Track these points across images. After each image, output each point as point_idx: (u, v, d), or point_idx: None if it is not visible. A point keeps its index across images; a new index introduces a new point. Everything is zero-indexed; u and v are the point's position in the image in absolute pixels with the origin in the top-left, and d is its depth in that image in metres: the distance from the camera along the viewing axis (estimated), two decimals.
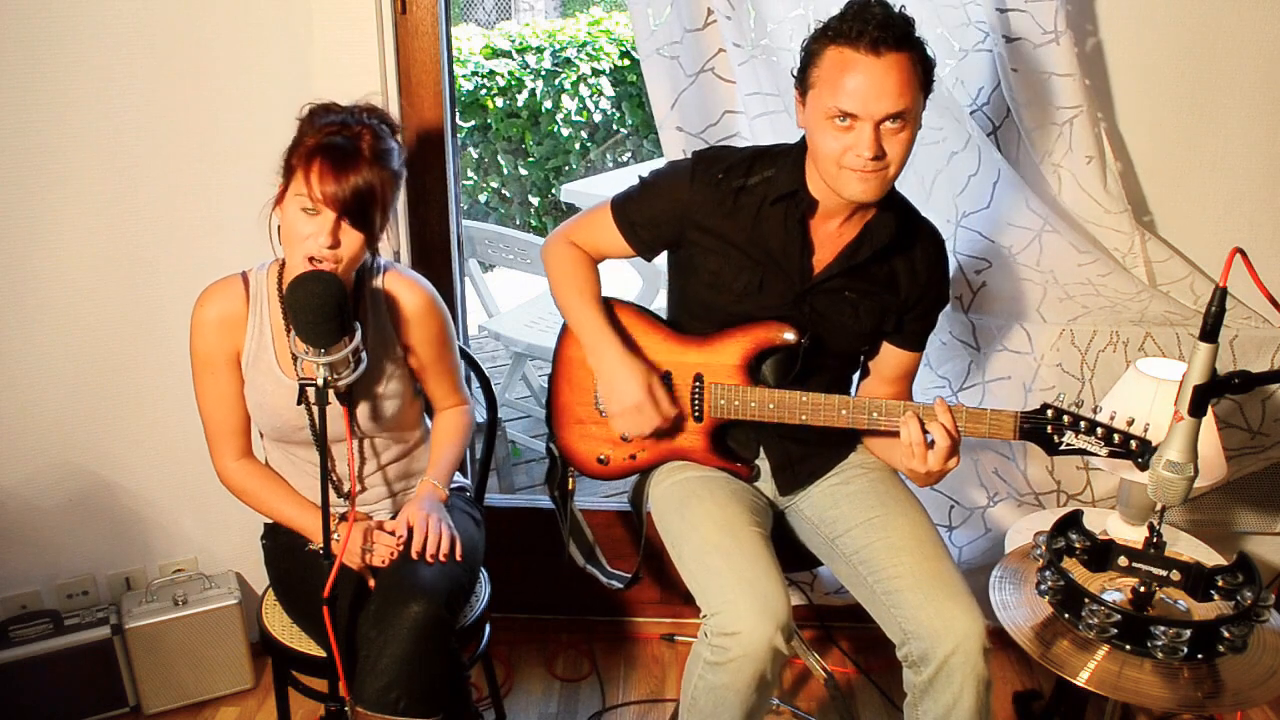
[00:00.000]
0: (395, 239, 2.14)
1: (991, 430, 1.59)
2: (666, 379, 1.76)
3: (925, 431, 1.59)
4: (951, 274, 1.82)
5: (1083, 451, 1.55)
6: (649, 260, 1.81)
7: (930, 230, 1.73)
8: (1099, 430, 1.53)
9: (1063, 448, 1.56)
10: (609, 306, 1.80)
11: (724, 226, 1.67)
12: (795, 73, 1.58)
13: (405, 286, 1.72)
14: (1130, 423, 1.51)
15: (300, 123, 1.58)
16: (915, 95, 1.50)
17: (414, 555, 1.64)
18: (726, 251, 1.69)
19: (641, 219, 1.74)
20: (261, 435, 1.76)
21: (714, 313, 1.73)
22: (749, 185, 1.66)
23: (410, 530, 1.66)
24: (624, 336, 1.77)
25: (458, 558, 1.68)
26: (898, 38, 1.47)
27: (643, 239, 1.75)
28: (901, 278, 1.69)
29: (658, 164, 1.81)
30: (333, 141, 1.52)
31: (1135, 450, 1.51)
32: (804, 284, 1.68)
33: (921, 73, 1.51)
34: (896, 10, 1.50)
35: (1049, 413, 1.55)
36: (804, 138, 1.61)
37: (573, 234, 1.81)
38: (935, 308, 1.77)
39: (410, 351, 1.74)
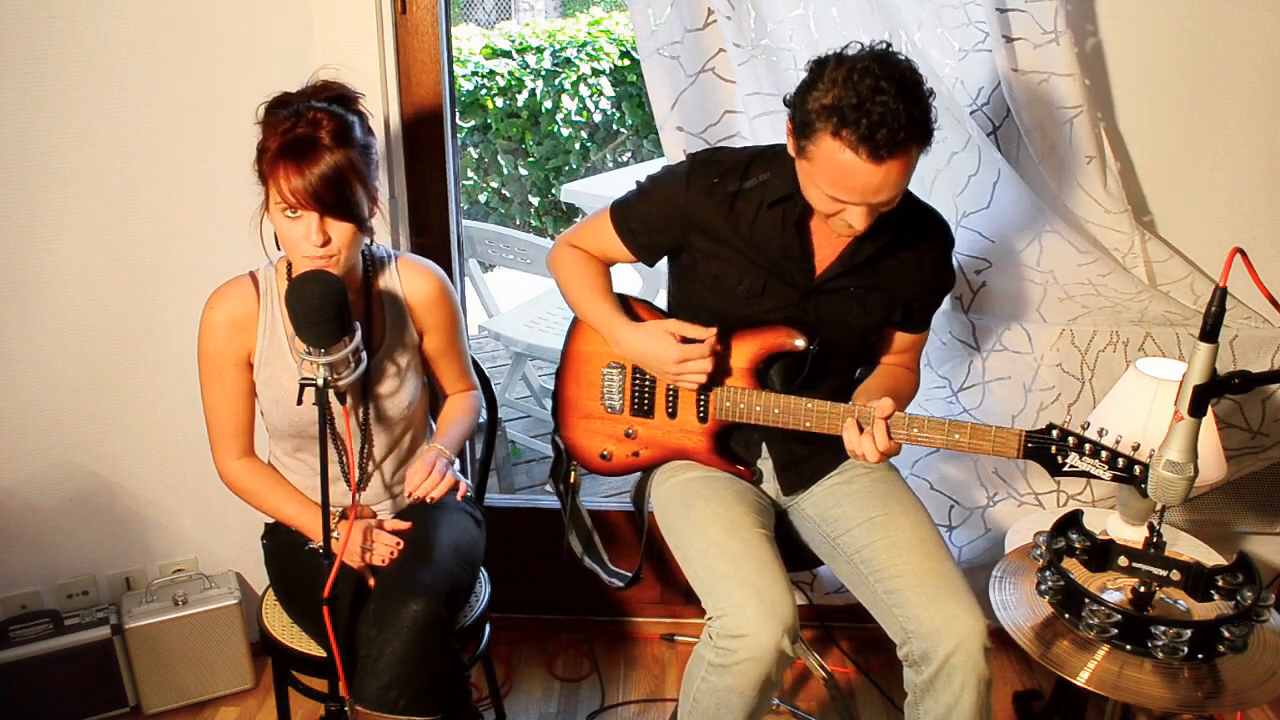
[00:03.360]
0: (396, 239, 2.14)
1: (996, 448, 1.57)
2: None
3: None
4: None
5: (1085, 474, 1.52)
6: (650, 265, 1.81)
7: (933, 216, 1.71)
8: (1103, 453, 1.51)
9: (1066, 469, 1.53)
10: (625, 301, 1.80)
11: (723, 231, 1.67)
12: (789, 103, 1.50)
13: (417, 273, 1.73)
14: (1135, 447, 1.49)
15: (260, 126, 1.57)
16: (910, 177, 1.46)
17: (406, 493, 1.65)
18: (727, 255, 1.68)
19: (640, 225, 1.74)
20: (268, 431, 1.76)
21: (718, 316, 1.72)
22: (745, 189, 1.65)
23: (412, 528, 1.66)
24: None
25: (458, 496, 1.67)
26: (902, 141, 1.39)
27: (643, 245, 1.75)
28: (909, 269, 1.68)
29: (658, 165, 1.81)
30: (290, 139, 1.50)
31: (1138, 476, 1.49)
32: (807, 285, 1.68)
33: (921, 151, 1.45)
34: (903, 100, 1.37)
35: (1054, 433, 1.53)
36: None
37: (576, 239, 1.82)
38: (942, 293, 1.77)
39: (424, 338, 1.75)
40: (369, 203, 1.58)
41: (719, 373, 1.71)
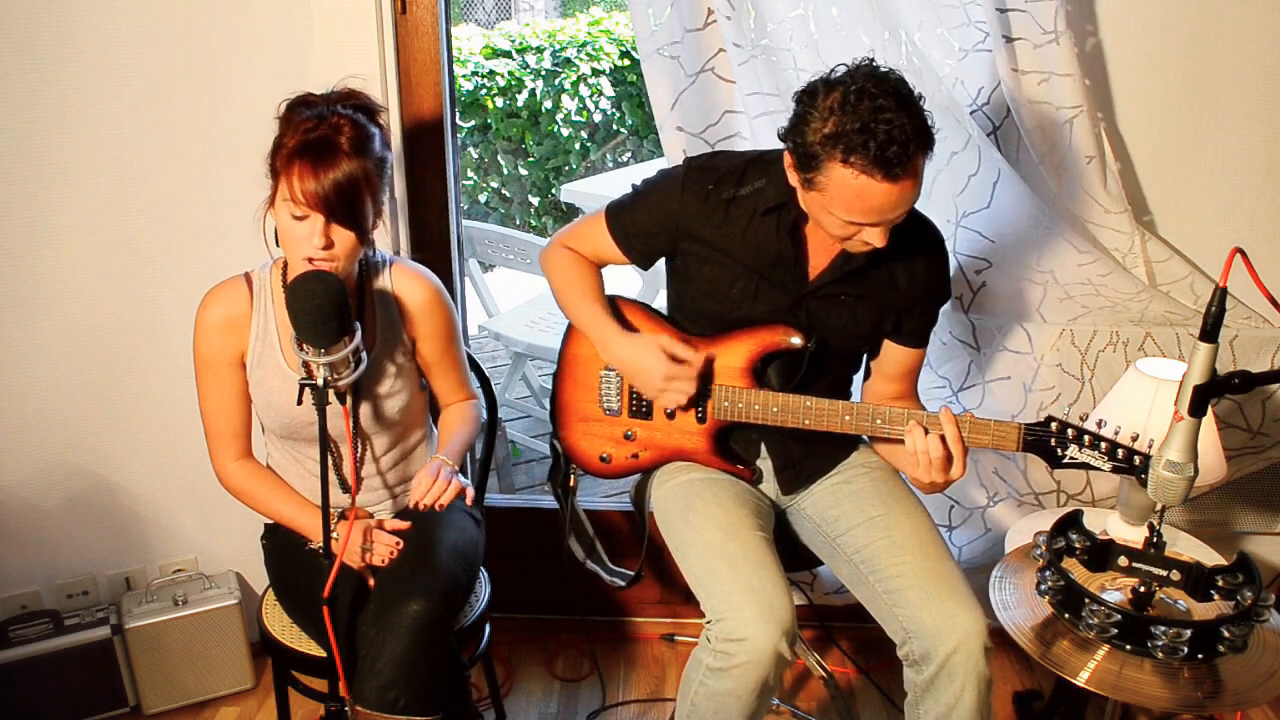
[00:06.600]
0: (395, 239, 2.14)
1: (995, 441, 1.58)
2: None
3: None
4: (951, 274, 1.82)
5: (1085, 465, 1.53)
6: (645, 269, 1.81)
7: (928, 227, 1.71)
8: (1103, 444, 1.52)
9: (1065, 460, 1.54)
10: (615, 304, 1.80)
11: (716, 236, 1.67)
12: (786, 139, 1.49)
13: (411, 280, 1.72)
14: (1135, 437, 1.50)
15: (279, 121, 1.56)
16: (921, 185, 1.46)
17: (411, 504, 1.65)
18: (721, 260, 1.68)
19: (635, 229, 1.74)
20: (265, 432, 1.76)
21: (712, 319, 1.72)
22: (740, 196, 1.65)
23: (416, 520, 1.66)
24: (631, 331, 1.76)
25: (467, 503, 1.69)
26: (912, 155, 1.40)
27: (637, 249, 1.75)
28: (900, 278, 1.68)
29: (657, 166, 1.81)
30: (309, 140, 1.50)
31: (1139, 465, 1.50)
32: (799, 290, 1.68)
33: (926, 158, 1.45)
34: (905, 113, 1.38)
35: (1053, 425, 1.54)
36: None
37: (570, 240, 1.82)
38: (936, 305, 1.76)
39: (418, 345, 1.75)
40: (375, 216, 1.58)
41: (713, 380, 1.71)
